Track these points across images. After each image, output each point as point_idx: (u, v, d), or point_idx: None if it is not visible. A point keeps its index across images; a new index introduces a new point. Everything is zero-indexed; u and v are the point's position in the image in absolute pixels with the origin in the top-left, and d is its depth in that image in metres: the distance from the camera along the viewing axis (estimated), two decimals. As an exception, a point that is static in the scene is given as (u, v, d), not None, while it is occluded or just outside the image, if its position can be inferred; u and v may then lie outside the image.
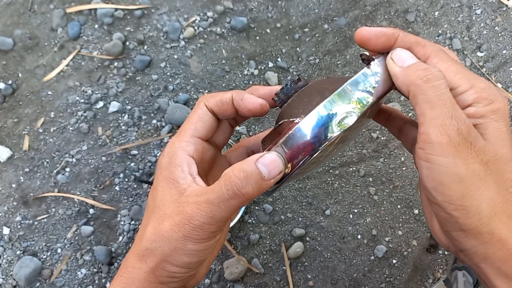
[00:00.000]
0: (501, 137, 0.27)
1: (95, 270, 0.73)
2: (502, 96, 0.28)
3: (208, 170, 0.36)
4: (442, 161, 0.26)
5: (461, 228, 0.27)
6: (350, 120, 0.28)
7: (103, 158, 0.77)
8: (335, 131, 0.28)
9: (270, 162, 0.28)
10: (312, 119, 0.28)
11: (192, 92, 0.80)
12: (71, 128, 0.78)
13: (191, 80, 0.81)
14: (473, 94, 0.28)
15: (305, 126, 0.28)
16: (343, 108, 0.28)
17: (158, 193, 0.31)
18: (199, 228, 0.28)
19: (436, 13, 0.86)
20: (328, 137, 0.28)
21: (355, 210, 0.76)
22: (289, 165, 0.29)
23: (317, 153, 0.28)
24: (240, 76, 0.81)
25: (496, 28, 0.85)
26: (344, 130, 0.28)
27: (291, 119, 0.30)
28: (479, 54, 0.84)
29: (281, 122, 0.31)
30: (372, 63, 0.30)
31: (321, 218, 0.75)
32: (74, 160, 0.77)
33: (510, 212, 0.27)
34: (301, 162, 0.28)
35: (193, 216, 0.28)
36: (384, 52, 0.31)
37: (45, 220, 0.75)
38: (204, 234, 0.28)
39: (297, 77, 0.32)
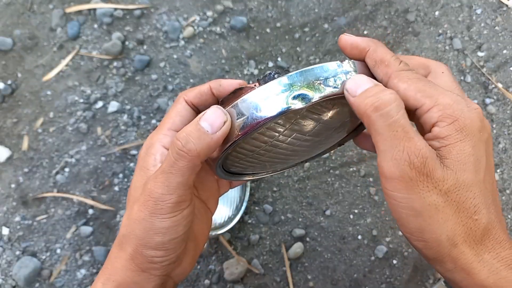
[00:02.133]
0: (463, 161, 0.26)
1: (94, 270, 0.73)
2: (471, 109, 0.27)
3: None
4: (397, 196, 0.25)
5: (426, 257, 0.27)
6: (304, 102, 0.28)
7: (102, 158, 0.77)
8: (289, 104, 0.27)
9: (210, 115, 0.28)
10: (270, 87, 0.28)
11: (192, 92, 0.80)
12: (70, 128, 0.78)
13: (191, 80, 0.80)
14: (436, 112, 0.27)
15: (261, 92, 0.28)
16: (303, 89, 0.28)
17: (132, 182, 0.32)
18: (160, 201, 0.28)
19: (436, 13, 0.85)
20: (280, 110, 0.27)
21: (356, 211, 0.76)
22: (240, 128, 0.28)
23: (267, 122, 0.28)
24: (240, 76, 0.81)
25: (497, 28, 0.85)
26: (296, 111, 0.28)
27: (251, 85, 0.30)
28: (479, 54, 0.84)
29: (242, 87, 0.31)
30: (345, 61, 0.30)
31: (321, 219, 0.75)
32: (73, 160, 0.76)
33: (476, 239, 0.26)
34: (252, 126, 0.28)
35: (152, 190, 0.28)
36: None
37: (45, 220, 0.74)
38: (167, 206, 0.28)
39: (285, 69, 0.33)
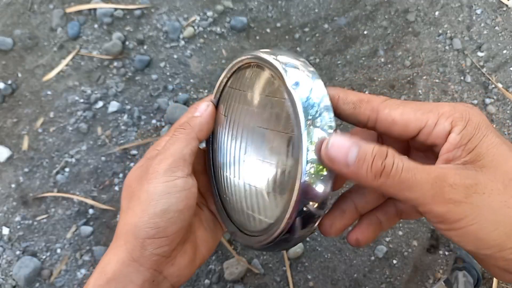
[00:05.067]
0: (499, 153, 0.25)
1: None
2: (471, 107, 0.26)
3: None
4: (463, 222, 0.24)
5: None
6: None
7: (103, 158, 0.77)
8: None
9: (198, 104, 0.35)
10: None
11: (192, 92, 0.80)
12: (70, 128, 0.78)
13: (191, 80, 0.81)
14: (446, 121, 0.25)
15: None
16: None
17: (125, 181, 0.35)
18: (155, 165, 0.30)
19: (437, 13, 0.85)
20: None
21: (355, 210, 0.76)
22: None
23: None
24: (240, 76, 0.81)
25: (496, 28, 0.85)
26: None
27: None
28: (479, 54, 0.84)
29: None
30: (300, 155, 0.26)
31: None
32: (73, 160, 0.76)
33: None
34: None
35: (150, 160, 0.32)
36: None
37: (45, 220, 0.74)
38: (161, 169, 0.30)
39: None
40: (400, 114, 0.26)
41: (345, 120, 0.29)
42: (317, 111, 0.26)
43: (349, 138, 0.25)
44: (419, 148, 0.31)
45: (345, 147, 0.25)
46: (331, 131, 0.26)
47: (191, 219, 0.32)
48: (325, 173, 0.26)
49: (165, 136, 0.34)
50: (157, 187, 0.29)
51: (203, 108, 0.33)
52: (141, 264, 0.30)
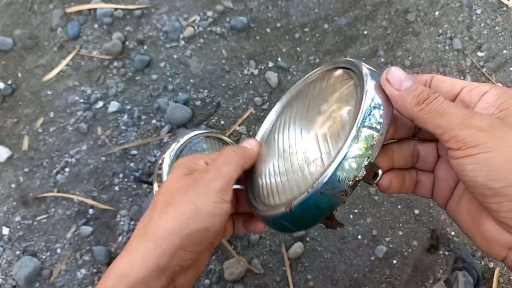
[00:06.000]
0: None
1: (94, 270, 0.73)
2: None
3: None
4: (483, 147, 0.25)
5: None
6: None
7: (103, 158, 0.77)
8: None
9: (248, 140, 0.38)
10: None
11: (192, 92, 0.80)
12: (70, 128, 0.78)
13: (191, 80, 0.81)
14: (486, 85, 0.29)
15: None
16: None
17: (165, 185, 0.35)
18: (209, 182, 0.32)
19: (437, 13, 0.85)
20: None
21: (356, 210, 0.76)
22: None
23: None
24: (240, 76, 0.81)
25: (496, 28, 0.85)
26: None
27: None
28: (479, 54, 0.84)
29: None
30: (365, 94, 0.30)
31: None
32: (73, 160, 0.76)
33: None
34: None
35: (204, 175, 0.34)
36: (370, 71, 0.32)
37: (45, 220, 0.74)
38: (214, 189, 0.32)
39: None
40: (450, 78, 0.31)
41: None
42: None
43: (407, 74, 0.30)
44: None
45: (401, 76, 0.29)
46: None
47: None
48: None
49: (213, 154, 0.36)
50: (206, 205, 0.30)
51: (254, 144, 0.36)
52: (163, 271, 0.30)
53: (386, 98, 0.30)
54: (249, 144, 0.36)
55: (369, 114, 0.29)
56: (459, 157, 0.26)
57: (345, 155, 0.28)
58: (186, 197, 0.31)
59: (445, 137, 0.27)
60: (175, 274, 0.31)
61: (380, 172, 0.31)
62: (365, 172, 0.28)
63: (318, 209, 0.29)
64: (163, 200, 0.32)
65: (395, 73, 0.29)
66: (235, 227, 0.40)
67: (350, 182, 0.28)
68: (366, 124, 0.28)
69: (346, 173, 0.28)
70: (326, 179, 0.28)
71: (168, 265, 0.30)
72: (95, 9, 0.82)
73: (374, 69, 0.32)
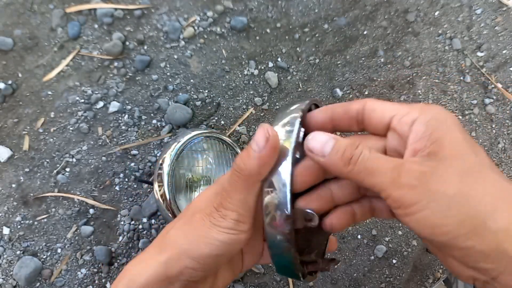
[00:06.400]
0: (461, 148, 0.26)
1: (95, 270, 0.73)
2: (443, 109, 0.28)
3: None
4: (417, 207, 0.25)
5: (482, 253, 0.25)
6: None
7: (103, 158, 0.77)
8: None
9: (257, 135, 0.29)
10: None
11: (192, 92, 0.80)
12: (71, 128, 0.78)
13: (191, 80, 0.81)
14: (415, 111, 0.27)
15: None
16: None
17: (202, 194, 0.34)
18: (224, 215, 0.30)
19: (436, 13, 0.86)
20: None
21: (355, 210, 0.76)
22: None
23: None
24: (240, 76, 0.81)
25: (496, 28, 0.85)
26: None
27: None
28: (479, 54, 0.84)
29: None
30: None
31: (321, 218, 0.75)
32: (74, 160, 0.77)
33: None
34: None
35: (220, 203, 0.30)
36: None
37: (45, 220, 0.75)
38: (229, 220, 0.29)
39: None
40: (381, 103, 0.29)
41: (340, 126, 0.32)
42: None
43: (328, 134, 0.29)
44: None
45: (323, 140, 0.28)
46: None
47: None
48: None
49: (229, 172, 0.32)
50: (220, 234, 0.29)
51: (261, 143, 0.28)
52: (171, 283, 0.30)
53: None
54: (257, 145, 0.29)
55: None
56: (399, 216, 0.26)
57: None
58: (203, 221, 0.30)
59: (382, 195, 0.27)
60: (185, 287, 0.31)
61: (313, 215, 0.29)
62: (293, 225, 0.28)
63: (286, 268, 0.30)
64: (186, 215, 0.32)
65: (316, 139, 0.28)
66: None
67: (286, 238, 0.28)
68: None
69: (276, 232, 0.28)
70: (268, 244, 0.29)
71: (176, 279, 0.30)
72: (95, 9, 0.82)
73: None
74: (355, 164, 0.27)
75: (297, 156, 0.29)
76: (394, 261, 0.74)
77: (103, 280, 0.72)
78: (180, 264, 0.30)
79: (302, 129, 0.29)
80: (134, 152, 0.77)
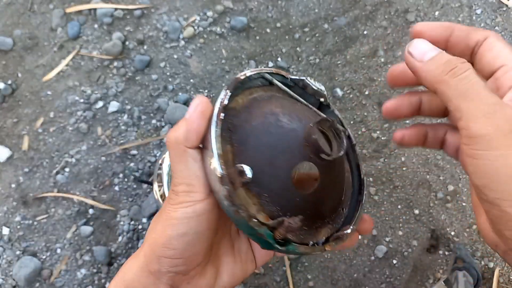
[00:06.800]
0: None
1: (94, 270, 0.73)
2: None
3: None
4: (490, 155, 0.23)
5: None
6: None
7: (103, 158, 0.77)
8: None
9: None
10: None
11: (192, 92, 0.80)
12: (70, 128, 0.78)
13: (191, 80, 0.81)
14: None
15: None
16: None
17: None
18: (173, 191, 0.28)
19: (437, 13, 0.85)
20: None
21: (355, 210, 0.76)
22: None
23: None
24: (240, 76, 0.81)
25: (496, 28, 0.85)
26: None
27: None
28: (479, 54, 0.84)
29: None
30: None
31: (321, 218, 0.75)
32: (73, 160, 0.76)
33: None
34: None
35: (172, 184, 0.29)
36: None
37: (45, 220, 0.74)
38: (178, 195, 0.28)
39: None
40: (501, 46, 0.27)
41: (453, 50, 0.30)
42: None
43: (431, 45, 0.27)
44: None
45: (426, 48, 0.27)
46: None
47: (211, 240, 0.31)
48: None
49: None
50: (177, 212, 0.28)
51: (191, 110, 0.27)
52: (157, 277, 0.30)
53: None
54: (189, 112, 0.27)
55: None
56: (466, 154, 0.25)
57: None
58: (166, 205, 0.29)
59: (461, 124, 0.25)
60: (173, 280, 0.30)
61: (241, 167, 0.26)
62: (224, 173, 0.26)
63: (252, 235, 0.27)
64: (161, 209, 0.32)
65: (418, 45, 0.27)
66: None
67: (230, 201, 0.26)
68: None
69: (219, 198, 0.26)
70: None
71: (159, 271, 0.30)
72: (95, 9, 0.82)
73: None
74: (455, 76, 0.25)
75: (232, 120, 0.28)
76: (394, 261, 0.74)
77: (103, 281, 0.72)
78: (156, 255, 0.29)
79: (229, 92, 0.28)
80: (134, 152, 0.77)
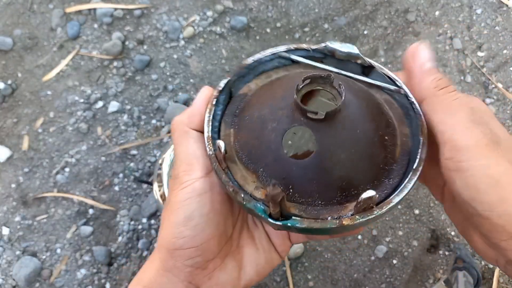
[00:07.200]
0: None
1: (94, 270, 0.73)
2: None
3: None
4: (474, 165, 0.25)
5: (511, 235, 0.25)
6: None
7: (103, 158, 0.77)
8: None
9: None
10: None
11: (192, 92, 0.80)
12: (70, 128, 0.78)
13: (191, 80, 0.80)
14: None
15: None
16: None
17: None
18: (175, 177, 0.29)
19: (437, 13, 0.85)
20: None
21: (355, 210, 0.76)
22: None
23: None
24: (240, 76, 0.81)
25: (497, 28, 0.85)
26: None
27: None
28: (479, 54, 0.84)
29: None
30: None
31: (321, 218, 0.75)
32: (73, 160, 0.76)
33: None
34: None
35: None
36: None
37: (45, 220, 0.74)
38: (179, 178, 0.29)
39: None
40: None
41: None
42: None
43: (432, 55, 0.29)
44: None
45: (426, 57, 0.29)
46: None
47: (225, 226, 0.30)
48: None
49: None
50: (177, 196, 0.28)
51: (197, 98, 0.30)
52: (175, 275, 0.29)
53: None
54: (194, 100, 0.30)
55: None
56: (449, 168, 0.26)
57: None
58: (170, 196, 0.29)
59: (445, 137, 0.26)
60: (192, 276, 0.29)
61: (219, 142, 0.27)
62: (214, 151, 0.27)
63: (248, 209, 0.26)
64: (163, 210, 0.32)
65: (422, 53, 0.29)
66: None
67: (220, 177, 0.26)
68: None
69: (216, 176, 0.27)
70: None
71: (175, 267, 0.29)
72: (95, 9, 0.82)
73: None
74: (445, 93, 0.27)
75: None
76: (394, 261, 0.74)
77: (103, 281, 0.72)
78: (169, 250, 0.28)
79: (225, 80, 0.30)
80: (134, 152, 0.77)
